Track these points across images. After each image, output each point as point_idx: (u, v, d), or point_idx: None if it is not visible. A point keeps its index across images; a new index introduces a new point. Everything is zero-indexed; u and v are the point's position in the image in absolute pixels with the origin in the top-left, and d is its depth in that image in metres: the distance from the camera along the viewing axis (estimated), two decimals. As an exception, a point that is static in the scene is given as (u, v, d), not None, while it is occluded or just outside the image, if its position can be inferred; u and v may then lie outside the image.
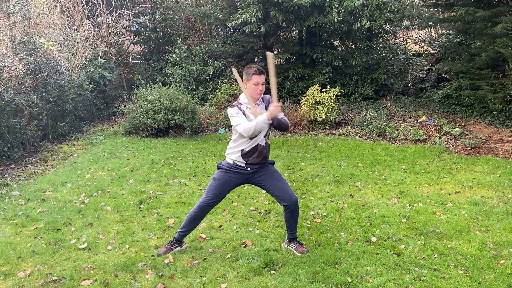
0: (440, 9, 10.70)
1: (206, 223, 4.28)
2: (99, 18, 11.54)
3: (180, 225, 3.68)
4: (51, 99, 7.57)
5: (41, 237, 3.94)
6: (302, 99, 9.42)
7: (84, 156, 7.15)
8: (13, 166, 6.24)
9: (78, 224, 4.26)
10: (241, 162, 3.42)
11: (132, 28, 13.55)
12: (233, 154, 3.44)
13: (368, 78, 11.40)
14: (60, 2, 10.39)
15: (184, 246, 3.70)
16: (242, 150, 3.38)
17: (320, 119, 8.98)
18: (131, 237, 3.97)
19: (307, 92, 9.31)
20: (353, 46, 12.21)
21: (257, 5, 9.75)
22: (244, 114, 3.32)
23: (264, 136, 3.43)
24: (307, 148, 7.60)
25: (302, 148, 7.56)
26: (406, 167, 6.29)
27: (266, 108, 3.39)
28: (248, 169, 3.44)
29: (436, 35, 14.40)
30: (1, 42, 6.99)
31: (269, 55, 3.22)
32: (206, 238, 3.93)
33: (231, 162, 3.46)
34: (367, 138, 8.40)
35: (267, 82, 3.31)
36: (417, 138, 8.03)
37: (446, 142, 7.81)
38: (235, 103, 3.41)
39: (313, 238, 3.91)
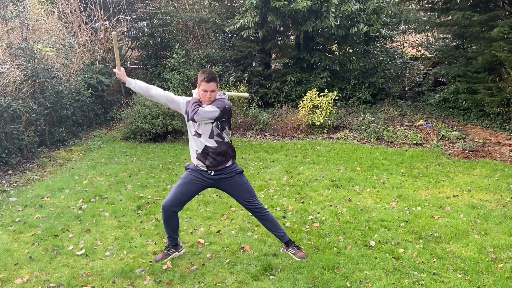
0: (436, 13, 10.75)
1: (204, 228, 4.27)
2: (97, 24, 11.57)
3: None
4: (49, 105, 7.56)
5: (38, 244, 3.92)
6: (300, 103, 9.44)
7: (82, 161, 7.13)
8: (10, 172, 6.22)
9: (75, 230, 4.24)
10: (202, 166, 3.37)
11: (130, 33, 13.58)
12: (191, 156, 3.42)
13: (365, 82, 11.44)
14: (58, 8, 10.41)
15: (182, 251, 3.69)
16: (196, 152, 3.36)
17: (318, 123, 8.99)
18: (129, 243, 3.95)
19: (305, 97, 9.32)
20: (350, 51, 12.26)
21: (254, 10, 9.79)
22: (197, 104, 3.25)
23: (211, 138, 3.29)
24: (305, 152, 7.60)
25: (300, 152, 7.57)
26: (404, 170, 6.30)
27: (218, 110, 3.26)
28: (212, 174, 3.38)
29: (433, 39, 14.47)
30: (-2, 48, 6.99)
31: (113, 35, 3.42)
32: (205, 244, 3.92)
33: (195, 164, 3.44)
34: (365, 142, 8.41)
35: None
36: (415, 142, 8.05)
37: (443, 146, 7.82)
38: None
39: (312, 243, 3.90)
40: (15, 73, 6.53)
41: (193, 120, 3.22)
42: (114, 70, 3.45)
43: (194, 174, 3.43)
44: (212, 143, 3.30)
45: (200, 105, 3.28)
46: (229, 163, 3.41)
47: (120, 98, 11.78)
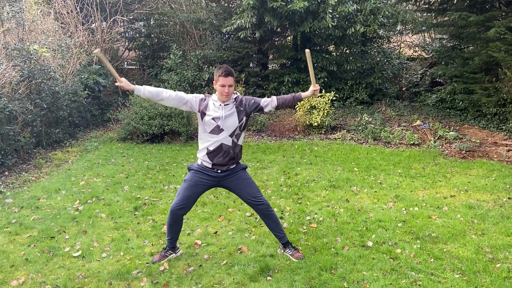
0: (433, 14, 10.78)
1: (201, 229, 4.26)
2: (93, 24, 11.53)
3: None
4: (45, 106, 7.53)
5: (34, 245, 3.90)
6: (297, 104, 9.43)
7: (78, 162, 7.10)
8: (6, 173, 6.19)
9: (72, 232, 4.22)
10: (208, 163, 3.36)
11: (127, 34, 13.56)
12: (200, 152, 3.40)
13: (363, 83, 11.45)
14: (54, 8, 10.39)
15: (179, 253, 3.67)
16: (207, 149, 3.34)
17: (316, 124, 8.99)
18: (126, 244, 3.93)
19: (302, 97, 9.30)
20: (347, 51, 12.27)
21: (251, 10, 9.79)
22: (206, 107, 3.30)
23: (230, 136, 3.32)
24: (302, 153, 7.60)
25: (298, 153, 7.56)
26: (401, 171, 6.30)
27: (238, 111, 3.33)
28: (219, 171, 3.38)
29: (430, 40, 14.50)
30: (-6, 49, 6.97)
31: (97, 52, 3.20)
32: (202, 245, 3.91)
33: (200, 162, 3.42)
34: (362, 142, 8.42)
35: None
36: (412, 142, 8.06)
37: (441, 146, 7.83)
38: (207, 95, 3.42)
39: (309, 243, 3.89)
40: (11, 74, 6.50)
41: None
42: (116, 84, 3.32)
43: (199, 175, 3.40)
44: (228, 142, 3.31)
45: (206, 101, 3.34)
46: (234, 165, 3.43)
47: (117, 99, 11.75)
